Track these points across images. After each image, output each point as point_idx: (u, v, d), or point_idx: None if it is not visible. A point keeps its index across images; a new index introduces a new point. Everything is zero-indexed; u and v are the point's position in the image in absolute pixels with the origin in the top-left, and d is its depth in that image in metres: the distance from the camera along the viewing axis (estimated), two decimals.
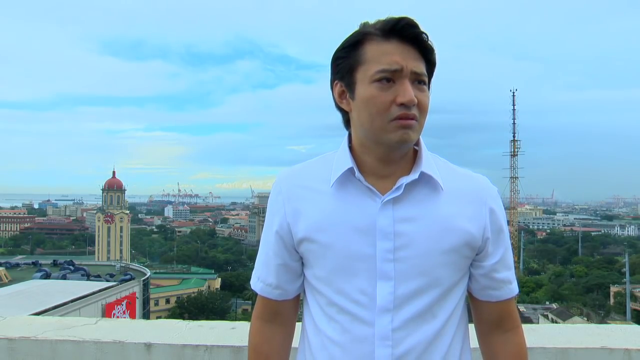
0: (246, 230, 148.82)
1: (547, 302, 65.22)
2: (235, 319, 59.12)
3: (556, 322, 40.32)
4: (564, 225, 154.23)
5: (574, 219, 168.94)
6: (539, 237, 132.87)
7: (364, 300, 1.31)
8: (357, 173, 1.33)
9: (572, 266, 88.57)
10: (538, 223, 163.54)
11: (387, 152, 1.33)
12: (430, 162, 1.36)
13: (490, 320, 1.47)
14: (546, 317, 47.05)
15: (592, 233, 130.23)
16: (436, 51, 1.32)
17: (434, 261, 1.31)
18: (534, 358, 2.42)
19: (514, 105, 56.91)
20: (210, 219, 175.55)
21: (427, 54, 1.30)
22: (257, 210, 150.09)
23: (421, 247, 1.30)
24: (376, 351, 1.30)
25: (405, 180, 1.31)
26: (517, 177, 56.55)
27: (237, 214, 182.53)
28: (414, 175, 1.32)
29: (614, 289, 65.79)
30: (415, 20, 1.28)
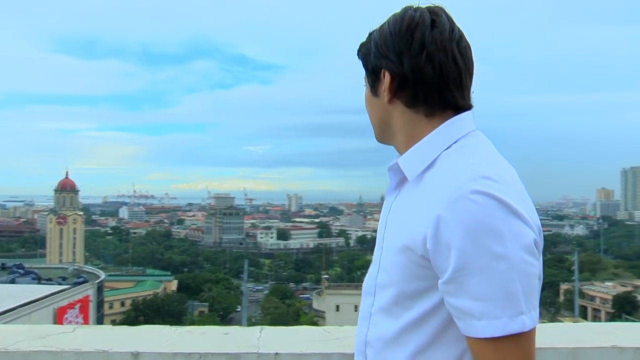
0: (203, 232, 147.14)
1: None
2: (192, 321, 58.80)
3: None
4: None
5: None
6: None
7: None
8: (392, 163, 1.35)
9: None
10: None
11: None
12: (419, 152, 1.25)
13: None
14: None
15: (544, 233, 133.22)
16: (364, 54, 1.35)
17: (391, 259, 1.25)
18: (545, 358, 2.33)
19: None
20: (166, 220, 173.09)
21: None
22: (214, 211, 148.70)
23: (390, 240, 1.27)
24: (358, 328, 1.35)
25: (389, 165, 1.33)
26: None
27: (194, 215, 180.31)
28: (393, 164, 1.31)
29: (563, 286, 67.71)
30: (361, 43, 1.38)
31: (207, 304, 69.53)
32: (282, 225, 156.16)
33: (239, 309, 71.12)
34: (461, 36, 1.27)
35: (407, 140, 1.29)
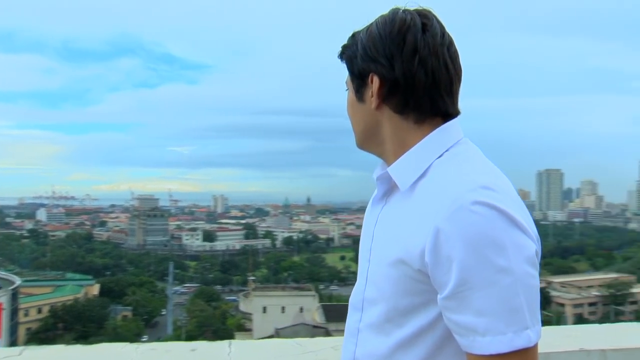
0: (126, 234, 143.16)
1: None
2: (115, 326, 57.10)
3: None
4: None
5: None
6: None
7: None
8: (374, 173, 1.31)
9: None
10: None
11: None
12: (411, 160, 1.20)
13: None
14: None
15: None
16: (349, 57, 1.28)
17: (382, 272, 1.19)
18: None
19: None
20: (87, 222, 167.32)
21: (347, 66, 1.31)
22: (138, 212, 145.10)
23: (379, 253, 1.22)
24: (345, 345, 1.29)
25: (374, 175, 1.28)
26: None
27: (117, 217, 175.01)
28: (383, 173, 1.25)
29: None
30: (348, 38, 1.31)
31: (130, 308, 67.65)
32: (207, 226, 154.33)
33: (163, 313, 69.66)
34: (451, 41, 1.22)
35: (396, 148, 1.23)
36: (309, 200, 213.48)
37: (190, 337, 53.57)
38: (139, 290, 73.03)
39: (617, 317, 53.43)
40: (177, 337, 54.93)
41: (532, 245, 1.07)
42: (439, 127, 1.21)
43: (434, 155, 1.18)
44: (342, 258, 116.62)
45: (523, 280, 1.03)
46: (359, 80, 1.26)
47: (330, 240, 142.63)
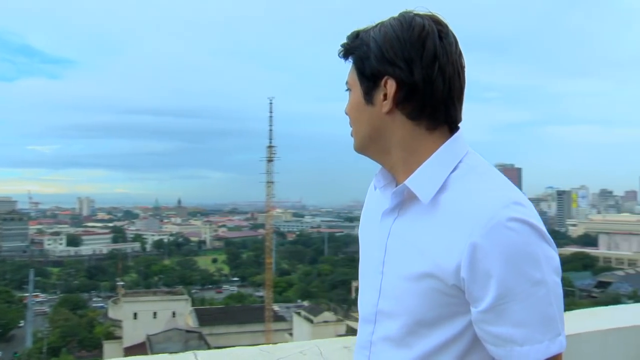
0: None
1: (299, 300, 69.40)
2: None
3: (309, 319, 42.83)
4: (312, 227, 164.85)
5: (321, 221, 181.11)
6: (289, 238, 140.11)
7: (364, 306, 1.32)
8: (375, 181, 1.34)
9: (319, 265, 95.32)
10: (288, 225, 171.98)
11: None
12: (429, 171, 1.19)
13: None
14: (299, 314, 49.79)
15: (337, 234, 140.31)
16: (360, 57, 1.23)
17: (402, 286, 1.19)
18: None
19: (270, 112, 59.47)
20: None
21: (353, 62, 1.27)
22: None
23: (396, 266, 1.22)
24: (356, 358, 1.30)
25: (391, 190, 1.26)
26: (273, 182, 59.13)
27: None
28: (400, 187, 1.23)
29: (355, 283, 72.50)
30: (348, 37, 1.27)
31: None
32: (72, 230, 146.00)
33: (22, 324, 65.31)
34: (461, 51, 1.23)
35: (407, 155, 1.23)
36: (179, 202, 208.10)
37: (53, 349, 50.73)
38: None
39: None
40: (37, 350, 51.84)
41: (557, 257, 1.13)
42: (448, 135, 1.22)
43: (450, 167, 1.19)
44: (215, 261, 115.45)
45: (554, 290, 1.10)
46: (369, 82, 1.22)
47: (202, 242, 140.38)
